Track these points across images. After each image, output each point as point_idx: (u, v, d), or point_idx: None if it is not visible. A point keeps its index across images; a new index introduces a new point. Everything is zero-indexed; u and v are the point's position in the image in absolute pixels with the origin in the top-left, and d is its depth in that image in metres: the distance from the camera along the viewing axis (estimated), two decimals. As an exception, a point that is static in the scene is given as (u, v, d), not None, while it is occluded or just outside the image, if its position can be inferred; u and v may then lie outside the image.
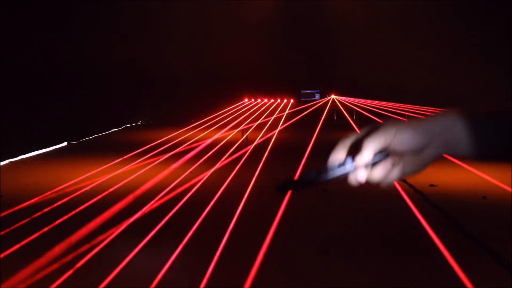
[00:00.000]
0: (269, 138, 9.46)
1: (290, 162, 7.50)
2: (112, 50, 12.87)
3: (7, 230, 4.45)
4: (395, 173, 0.80)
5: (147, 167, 7.38)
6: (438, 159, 0.84)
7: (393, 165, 0.81)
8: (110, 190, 5.97)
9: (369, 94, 14.04)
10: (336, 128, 12.16)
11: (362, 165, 0.79)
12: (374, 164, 0.80)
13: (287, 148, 9.48)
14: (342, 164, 0.80)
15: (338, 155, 0.81)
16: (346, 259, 3.91)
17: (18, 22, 9.44)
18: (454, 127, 0.80)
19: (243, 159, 7.78)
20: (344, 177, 0.81)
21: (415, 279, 3.53)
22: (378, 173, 0.80)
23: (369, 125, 0.82)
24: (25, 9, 9.60)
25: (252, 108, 12.96)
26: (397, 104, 12.32)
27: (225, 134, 10.33)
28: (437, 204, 5.30)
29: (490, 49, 13.47)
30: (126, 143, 10.77)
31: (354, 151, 0.81)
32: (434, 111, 0.83)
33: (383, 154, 0.80)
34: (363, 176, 0.80)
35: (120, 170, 7.15)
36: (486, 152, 0.81)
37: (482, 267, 3.65)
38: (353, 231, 4.61)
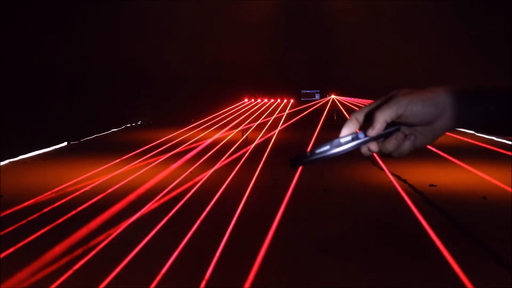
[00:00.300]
0: (269, 138, 9.46)
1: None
2: (112, 50, 12.87)
3: (7, 230, 4.45)
4: (407, 145, 0.80)
5: (147, 167, 7.39)
6: (449, 131, 0.84)
7: (405, 136, 0.81)
8: (110, 190, 5.97)
9: (369, 94, 14.03)
10: (336, 128, 12.15)
11: (373, 136, 0.79)
12: (386, 135, 0.79)
13: (287, 148, 9.48)
14: (354, 136, 0.80)
15: (350, 127, 0.81)
16: (346, 259, 3.91)
17: (19, 22, 9.44)
18: (459, 101, 0.81)
19: (243, 159, 7.78)
20: (357, 149, 0.81)
21: (415, 279, 3.53)
22: (391, 145, 0.80)
23: (381, 97, 0.82)
24: (26, 9, 9.60)
25: (252, 108, 12.96)
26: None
27: (225, 134, 10.33)
28: (437, 204, 5.30)
29: (490, 49, 13.47)
30: (126, 143, 10.77)
31: (365, 122, 0.81)
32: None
33: (395, 126, 0.79)
34: (375, 148, 0.80)
35: (120, 170, 7.16)
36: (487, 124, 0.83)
37: (482, 267, 3.65)
38: (353, 231, 4.61)
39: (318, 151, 0.79)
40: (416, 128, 0.81)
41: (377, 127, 0.78)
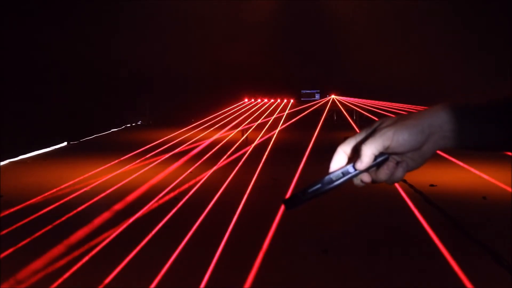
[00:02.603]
0: (269, 138, 9.46)
1: (290, 162, 7.50)
2: (112, 50, 12.87)
3: (7, 230, 4.45)
4: (400, 171, 0.80)
5: (147, 167, 7.39)
6: (439, 150, 0.84)
7: (397, 163, 0.81)
8: (110, 190, 5.97)
9: (369, 94, 14.04)
10: (336, 128, 12.16)
11: (364, 169, 0.79)
12: (376, 165, 0.80)
13: (287, 148, 9.48)
14: (345, 171, 0.80)
15: (338, 161, 0.81)
16: (346, 259, 3.91)
17: (19, 21, 9.44)
18: (446, 121, 0.81)
19: (243, 159, 7.78)
20: (349, 182, 0.81)
21: (415, 279, 3.53)
22: (383, 174, 0.80)
23: (366, 128, 0.82)
24: (26, 8, 9.61)
25: (252, 108, 12.96)
26: (397, 104, 12.32)
27: (225, 134, 10.33)
28: (437, 204, 5.30)
29: (491, 49, 13.46)
30: (126, 143, 10.77)
31: (353, 155, 0.81)
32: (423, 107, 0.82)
33: (384, 156, 0.80)
34: (368, 179, 0.81)
35: (120, 170, 7.16)
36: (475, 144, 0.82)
37: (482, 267, 3.65)
38: (353, 231, 4.61)
39: (310, 190, 0.80)
40: (405, 154, 0.81)
41: (366, 161, 0.78)
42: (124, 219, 4.66)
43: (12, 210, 5.10)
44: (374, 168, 0.80)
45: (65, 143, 10.63)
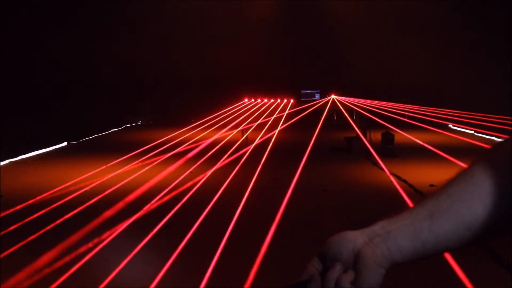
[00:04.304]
0: (269, 138, 9.46)
1: (291, 162, 7.50)
2: (112, 50, 12.87)
3: (7, 230, 4.45)
4: (344, 283, 0.77)
5: (147, 167, 7.38)
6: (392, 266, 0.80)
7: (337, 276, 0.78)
8: (110, 190, 5.97)
9: (369, 94, 14.03)
10: (336, 128, 12.16)
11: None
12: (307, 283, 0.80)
13: (287, 148, 9.48)
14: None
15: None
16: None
17: (19, 22, 9.44)
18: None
19: (243, 159, 7.78)
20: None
21: (415, 279, 3.53)
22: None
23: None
24: (27, 9, 9.61)
25: (252, 108, 12.96)
26: (397, 104, 12.31)
27: (225, 134, 10.33)
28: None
29: (491, 50, 13.46)
30: (126, 143, 10.77)
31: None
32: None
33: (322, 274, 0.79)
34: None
35: (120, 170, 7.15)
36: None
37: (482, 267, 3.65)
38: (353, 231, 4.60)
39: None
40: (355, 268, 0.77)
41: (306, 271, 0.81)
42: (124, 219, 4.66)
43: (12, 210, 5.10)
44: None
45: (65, 143, 10.62)
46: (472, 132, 11.10)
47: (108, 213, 4.86)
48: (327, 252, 0.79)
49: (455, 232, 0.76)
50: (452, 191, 0.77)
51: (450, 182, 0.79)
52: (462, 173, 0.80)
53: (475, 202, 0.75)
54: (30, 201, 5.48)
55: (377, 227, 0.80)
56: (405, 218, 0.78)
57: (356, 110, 10.67)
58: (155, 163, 7.65)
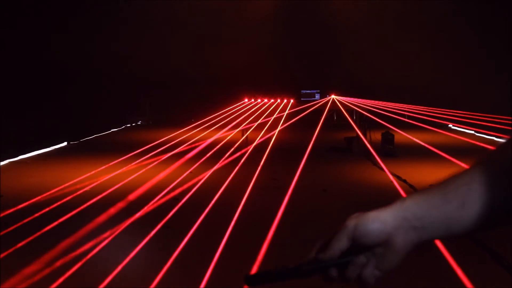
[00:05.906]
0: (269, 138, 9.46)
1: (291, 162, 7.50)
2: (112, 50, 12.86)
3: (7, 230, 4.45)
4: (369, 270, 0.78)
5: (147, 167, 7.38)
6: (417, 248, 0.81)
7: (365, 262, 0.79)
8: (110, 190, 5.97)
9: (369, 94, 14.03)
10: (336, 128, 12.16)
11: (329, 263, 0.79)
12: (343, 265, 0.79)
13: (287, 148, 9.48)
14: (313, 261, 0.79)
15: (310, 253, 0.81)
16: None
17: (19, 22, 9.44)
18: (411, 212, 0.79)
19: (243, 159, 7.78)
20: (318, 275, 0.81)
21: (415, 279, 3.53)
22: (352, 272, 0.79)
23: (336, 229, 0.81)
24: (26, 8, 9.61)
25: (252, 108, 12.95)
26: (397, 104, 12.31)
27: (225, 134, 10.33)
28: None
29: (491, 50, 13.46)
30: (126, 143, 10.77)
31: (320, 252, 0.80)
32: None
33: (350, 254, 0.79)
34: (335, 274, 0.79)
35: (120, 170, 7.15)
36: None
37: (482, 267, 3.65)
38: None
39: (276, 272, 0.81)
40: (375, 251, 0.79)
41: (329, 253, 0.78)
42: (124, 219, 4.66)
43: (12, 210, 5.10)
44: (340, 268, 0.79)
45: (65, 143, 10.62)
46: (472, 132, 11.09)
47: (108, 213, 4.86)
48: (353, 232, 0.79)
49: (482, 220, 0.78)
50: (481, 179, 0.80)
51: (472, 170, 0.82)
52: (481, 163, 0.83)
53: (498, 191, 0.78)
54: (30, 201, 5.48)
55: (409, 214, 0.80)
56: (435, 205, 0.79)
57: (356, 110, 10.65)
58: (155, 163, 7.65)
